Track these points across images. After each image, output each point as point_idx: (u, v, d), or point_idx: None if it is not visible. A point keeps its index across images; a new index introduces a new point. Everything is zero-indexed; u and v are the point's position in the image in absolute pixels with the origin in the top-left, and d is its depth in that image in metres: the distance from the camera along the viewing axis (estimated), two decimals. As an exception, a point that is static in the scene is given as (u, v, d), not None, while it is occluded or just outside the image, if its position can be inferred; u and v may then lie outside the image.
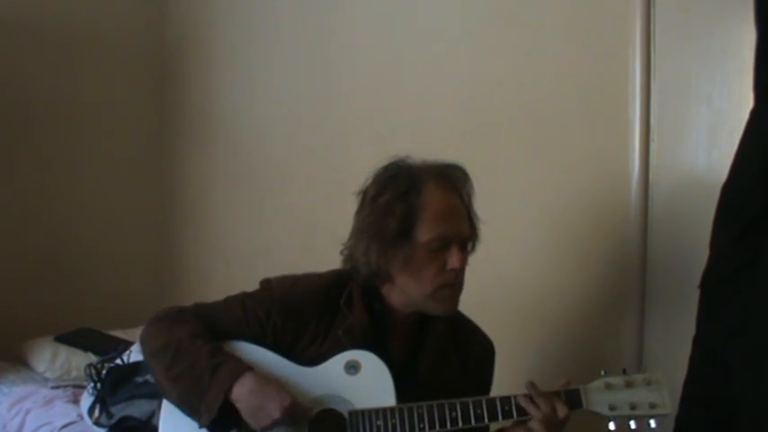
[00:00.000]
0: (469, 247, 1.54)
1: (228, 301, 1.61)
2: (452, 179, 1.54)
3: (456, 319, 1.63)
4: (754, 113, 1.31)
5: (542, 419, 1.40)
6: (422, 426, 1.43)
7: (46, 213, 3.45)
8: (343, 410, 1.47)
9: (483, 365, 1.65)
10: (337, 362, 1.50)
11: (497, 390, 1.59)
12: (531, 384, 1.44)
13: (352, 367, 1.49)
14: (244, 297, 1.60)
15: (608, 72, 1.83)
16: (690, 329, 1.42)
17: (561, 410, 1.41)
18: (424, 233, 1.48)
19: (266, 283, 1.61)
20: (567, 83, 1.93)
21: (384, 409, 1.45)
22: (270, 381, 1.45)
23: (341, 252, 1.59)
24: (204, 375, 1.45)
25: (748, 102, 1.32)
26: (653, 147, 1.76)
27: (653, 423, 1.41)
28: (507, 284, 2.07)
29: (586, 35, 1.89)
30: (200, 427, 1.46)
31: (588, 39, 1.89)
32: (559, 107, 1.96)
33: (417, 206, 1.48)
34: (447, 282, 1.49)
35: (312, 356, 1.52)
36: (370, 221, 1.51)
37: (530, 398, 1.42)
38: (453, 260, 1.47)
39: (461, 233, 1.50)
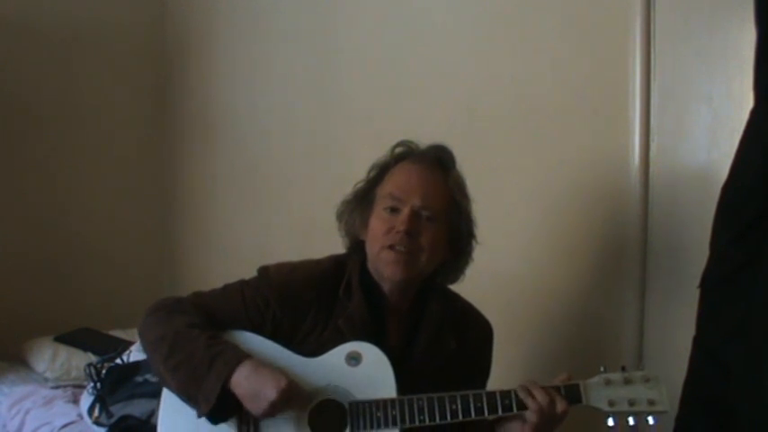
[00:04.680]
0: (425, 216, 1.53)
1: (227, 289, 1.61)
2: (429, 155, 1.59)
3: (453, 302, 1.65)
4: (754, 113, 1.30)
5: (538, 410, 1.41)
6: (422, 417, 1.43)
7: (46, 213, 3.45)
8: (344, 401, 1.47)
9: (481, 346, 1.66)
10: (338, 353, 1.50)
11: (494, 386, 1.59)
12: (532, 381, 1.44)
13: (354, 358, 1.50)
14: (242, 285, 1.60)
15: (608, 72, 1.83)
16: (690, 329, 1.41)
17: (560, 404, 1.42)
18: (380, 191, 1.57)
19: (264, 271, 1.61)
20: (567, 83, 1.93)
21: (384, 401, 1.45)
22: (266, 365, 1.45)
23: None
24: (202, 365, 1.45)
25: (748, 102, 1.32)
26: (653, 146, 1.75)
27: (651, 420, 1.42)
28: (507, 283, 2.07)
29: (586, 35, 1.89)
30: (199, 416, 1.46)
31: (588, 38, 1.89)
32: (559, 107, 1.95)
33: (387, 172, 1.59)
34: (391, 242, 1.51)
35: (313, 346, 1.53)
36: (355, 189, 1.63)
37: (528, 390, 1.43)
38: (398, 222, 1.51)
39: (413, 199, 1.53)
